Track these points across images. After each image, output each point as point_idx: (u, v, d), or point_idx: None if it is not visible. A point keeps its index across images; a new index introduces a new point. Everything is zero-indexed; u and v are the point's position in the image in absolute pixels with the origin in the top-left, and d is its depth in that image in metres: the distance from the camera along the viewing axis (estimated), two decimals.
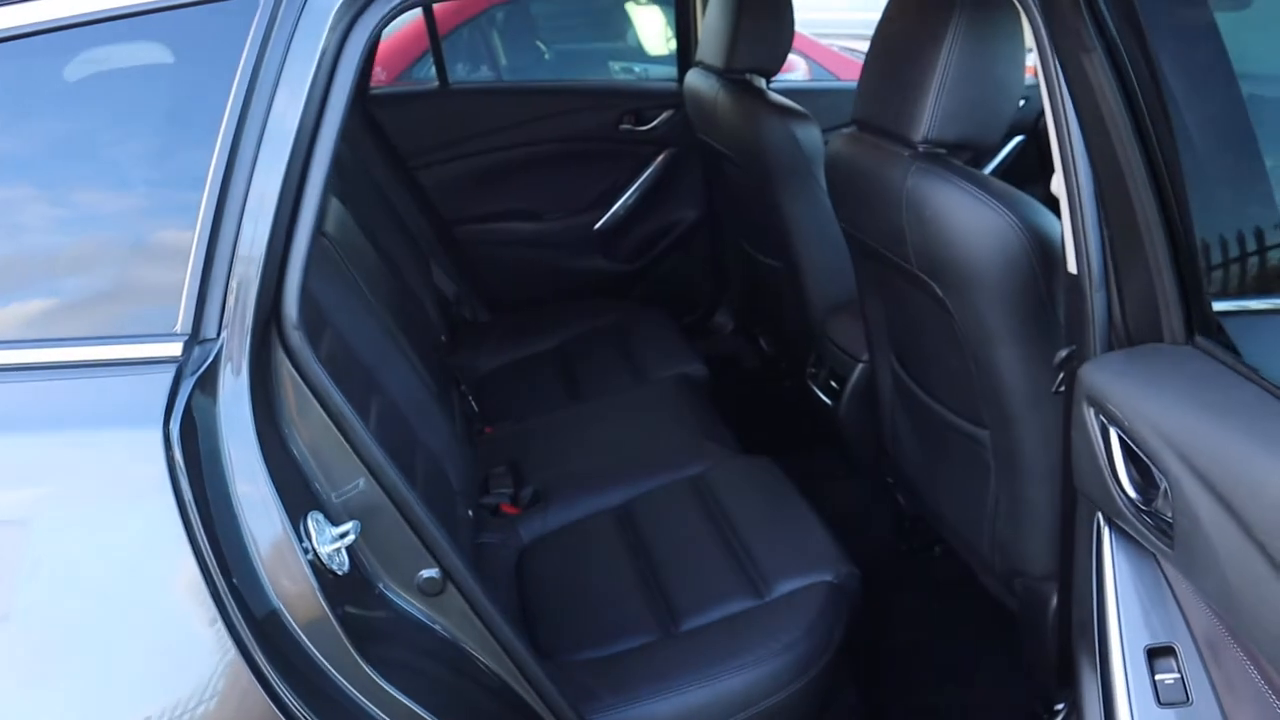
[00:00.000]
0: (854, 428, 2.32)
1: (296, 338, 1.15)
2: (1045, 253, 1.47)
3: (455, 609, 1.28)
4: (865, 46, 1.76)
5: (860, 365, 2.27)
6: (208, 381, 1.07)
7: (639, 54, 4.22)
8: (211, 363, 1.08)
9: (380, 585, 1.24)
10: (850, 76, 3.86)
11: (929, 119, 1.54)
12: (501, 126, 3.03)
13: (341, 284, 1.86)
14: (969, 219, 1.48)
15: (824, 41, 4.39)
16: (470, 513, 1.97)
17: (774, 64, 2.45)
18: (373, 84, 3.01)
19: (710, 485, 2.04)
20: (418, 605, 1.26)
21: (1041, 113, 1.44)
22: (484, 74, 3.92)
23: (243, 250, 1.09)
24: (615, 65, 4.19)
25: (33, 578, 1.02)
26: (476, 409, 2.46)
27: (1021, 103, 3.09)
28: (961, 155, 1.61)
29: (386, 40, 3.82)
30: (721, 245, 3.19)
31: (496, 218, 3.11)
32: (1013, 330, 1.52)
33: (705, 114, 2.66)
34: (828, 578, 1.73)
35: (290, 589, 1.09)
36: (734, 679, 1.57)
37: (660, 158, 3.13)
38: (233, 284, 1.09)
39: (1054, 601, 1.65)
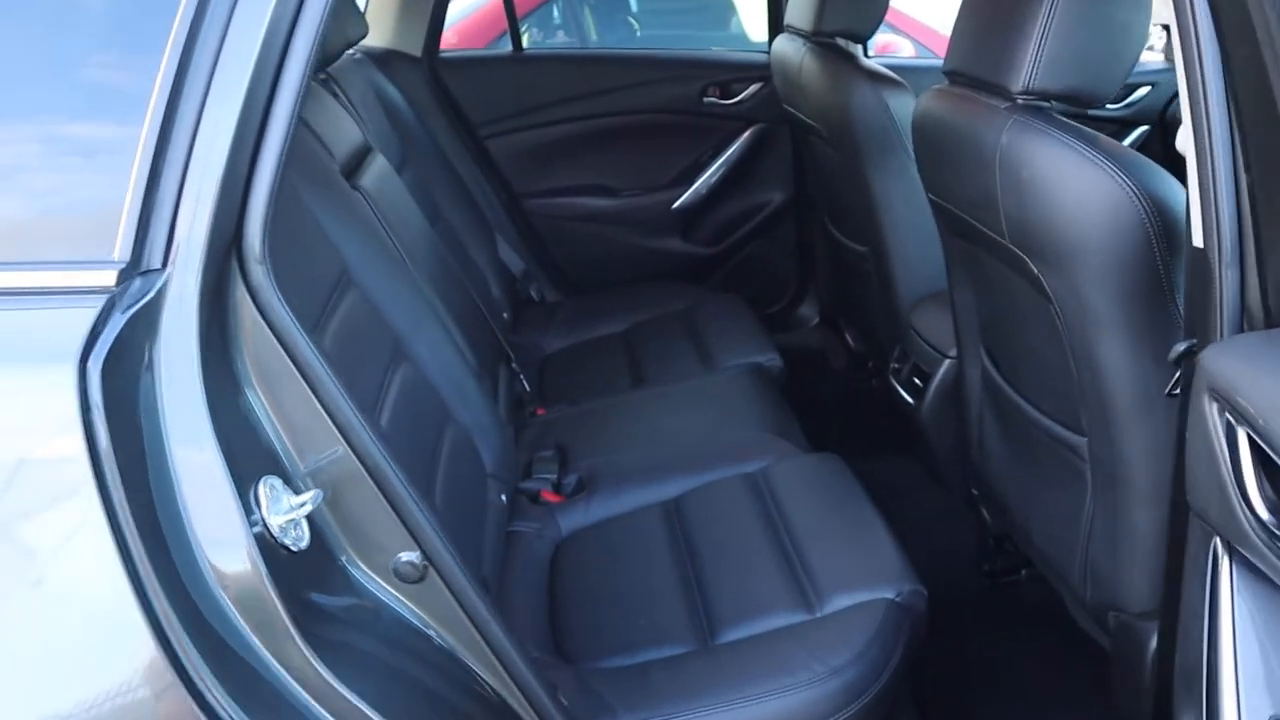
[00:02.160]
0: (937, 430, 2.08)
1: (260, 273, 0.99)
2: (1165, 224, 1.23)
3: (437, 600, 1.11)
4: None
5: (947, 361, 2.03)
6: (146, 318, 0.93)
7: (741, 42, 4.02)
8: (153, 297, 0.93)
9: (348, 566, 1.08)
10: None
11: (1030, 65, 1.32)
12: (577, 96, 2.87)
13: (375, 244, 1.73)
14: (1074, 181, 1.25)
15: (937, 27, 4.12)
16: (504, 497, 1.81)
17: (867, 26, 2.23)
18: (443, 47, 2.88)
19: (770, 483, 1.84)
20: (393, 592, 1.10)
21: (1170, 100, 1.23)
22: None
23: (197, 166, 0.94)
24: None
25: None
26: (528, 388, 2.30)
27: (1146, 89, 2.79)
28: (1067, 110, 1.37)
29: (474, 12, 3.72)
30: (810, 230, 2.97)
31: (569, 192, 2.95)
32: (1122, 317, 1.29)
33: (791, 81, 2.45)
34: (889, 595, 1.51)
35: (229, 565, 0.94)
36: (770, 703, 1.37)
37: (746, 134, 2.92)
38: (184, 207, 0.95)
39: (1153, 644, 1.41)
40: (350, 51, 2.42)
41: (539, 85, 2.90)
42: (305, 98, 1.60)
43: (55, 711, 0.90)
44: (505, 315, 2.63)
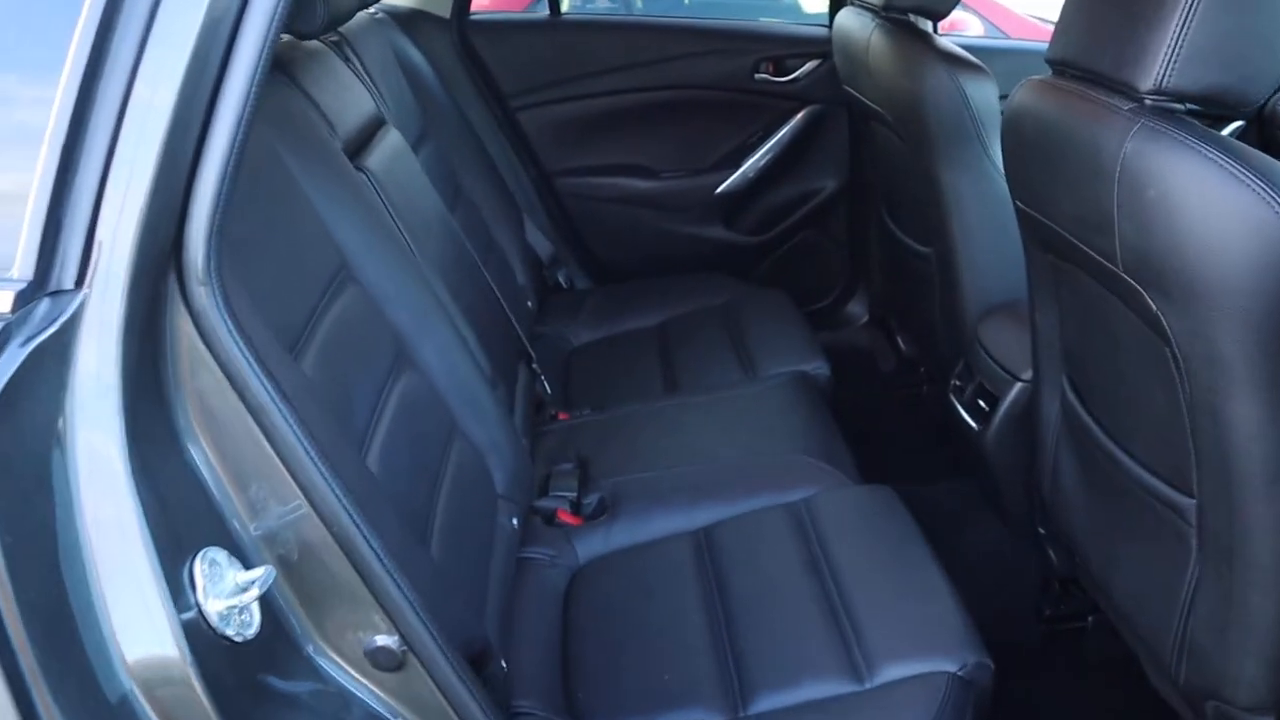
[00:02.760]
0: (1003, 461, 1.86)
1: (203, 296, 0.79)
2: None
3: (419, 691, 0.92)
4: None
5: (1019, 385, 1.81)
6: (54, 351, 0.73)
7: (795, 13, 3.76)
8: (65, 324, 0.74)
9: (313, 655, 0.88)
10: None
11: (1166, 59, 1.08)
12: (618, 67, 2.64)
13: (379, 233, 1.53)
14: (1215, 204, 1.02)
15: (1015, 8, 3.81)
16: (515, 521, 1.62)
17: (944, 4, 1.98)
18: (474, 9, 2.65)
19: (814, 517, 1.63)
20: (366, 683, 0.91)
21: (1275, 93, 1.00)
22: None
23: (123, 159, 0.75)
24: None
25: None
26: (549, 390, 2.10)
27: None
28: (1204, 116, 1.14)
29: None
30: (864, 223, 2.73)
31: (605, 171, 2.72)
32: (1264, 373, 1.07)
33: (854, 60, 2.21)
34: (951, 668, 1.31)
35: (148, 662, 0.75)
36: None
37: (800, 115, 2.67)
38: (105, 211, 0.75)
39: None
40: (370, 10, 2.21)
41: (577, 54, 2.67)
42: (308, 65, 1.37)
43: None
44: (530, 304, 2.43)
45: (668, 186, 2.72)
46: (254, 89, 0.77)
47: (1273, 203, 1.00)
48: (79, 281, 0.75)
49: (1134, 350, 1.27)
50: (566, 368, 2.34)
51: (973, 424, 1.94)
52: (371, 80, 1.92)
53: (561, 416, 2.06)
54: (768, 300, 2.46)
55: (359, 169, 1.60)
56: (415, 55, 2.40)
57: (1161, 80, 1.10)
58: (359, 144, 1.67)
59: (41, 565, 0.71)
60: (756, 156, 2.70)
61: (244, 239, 1.17)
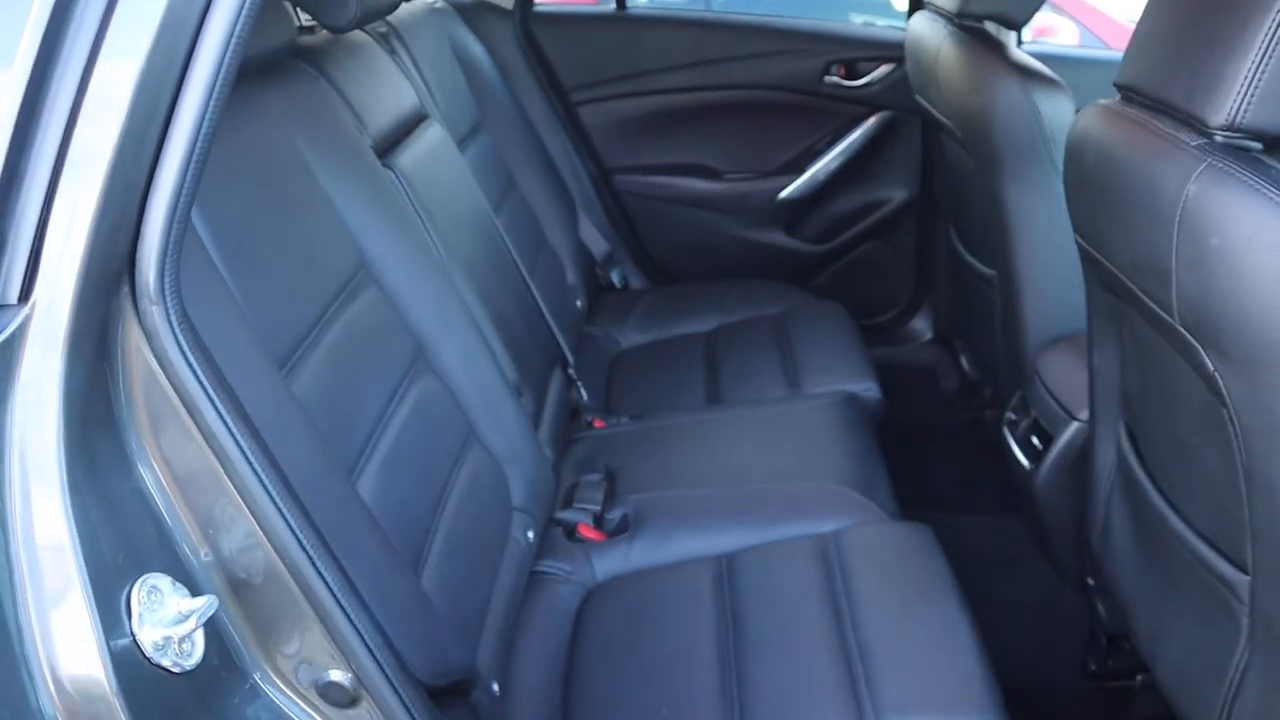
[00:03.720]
0: (1054, 504, 1.75)
1: (156, 315, 0.76)
2: None
3: None
4: None
5: (1075, 424, 1.70)
6: None
7: (886, 10, 3.61)
8: (6, 340, 0.71)
9: (261, 684, 0.84)
10: None
11: (1242, 92, 0.97)
12: (683, 64, 2.56)
13: (404, 233, 1.49)
14: None
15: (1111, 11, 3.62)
16: (531, 534, 1.57)
17: (1024, 10, 1.87)
18: (539, 0, 2.60)
19: (842, 553, 1.55)
20: (317, 718, 0.86)
21: None
22: None
23: (71, 177, 0.71)
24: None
25: None
26: (585, 397, 2.05)
27: None
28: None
29: None
30: (933, 237, 2.62)
31: (665, 171, 2.65)
32: None
33: (924, 69, 2.10)
34: None
35: (74, 688, 0.71)
36: None
37: (871, 121, 2.57)
38: (53, 222, 0.71)
39: None
40: (430, 0, 2.18)
41: (642, 49, 2.60)
42: (342, 57, 1.33)
43: None
44: (580, 303, 2.39)
45: (729, 189, 2.64)
46: (213, 104, 0.73)
47: None
48: (23, 296, 0.72)
49: (1192, 407, 1.17)
50: (610, 371, 2.29)
51: (1025, 461, 1.83)
52: (419, 73, 1.89)
53: (598, 424, 2.01)
54: (824, 313, 2.37)
55: (389, 167, 1.56)
56: (475, 46, 2.36)
57: (1236, 115, 0.99)
58: (392, 140, 1.64)
59: None
60: (823, 162, 2.60)
61: (249, 241, 1.14)
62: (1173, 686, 1.37)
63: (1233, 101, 0.99)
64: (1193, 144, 1.03)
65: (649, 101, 2.60)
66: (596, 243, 2.60)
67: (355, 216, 1.38)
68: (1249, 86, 0.98)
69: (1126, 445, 1.45)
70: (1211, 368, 1.04)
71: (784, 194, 2.62)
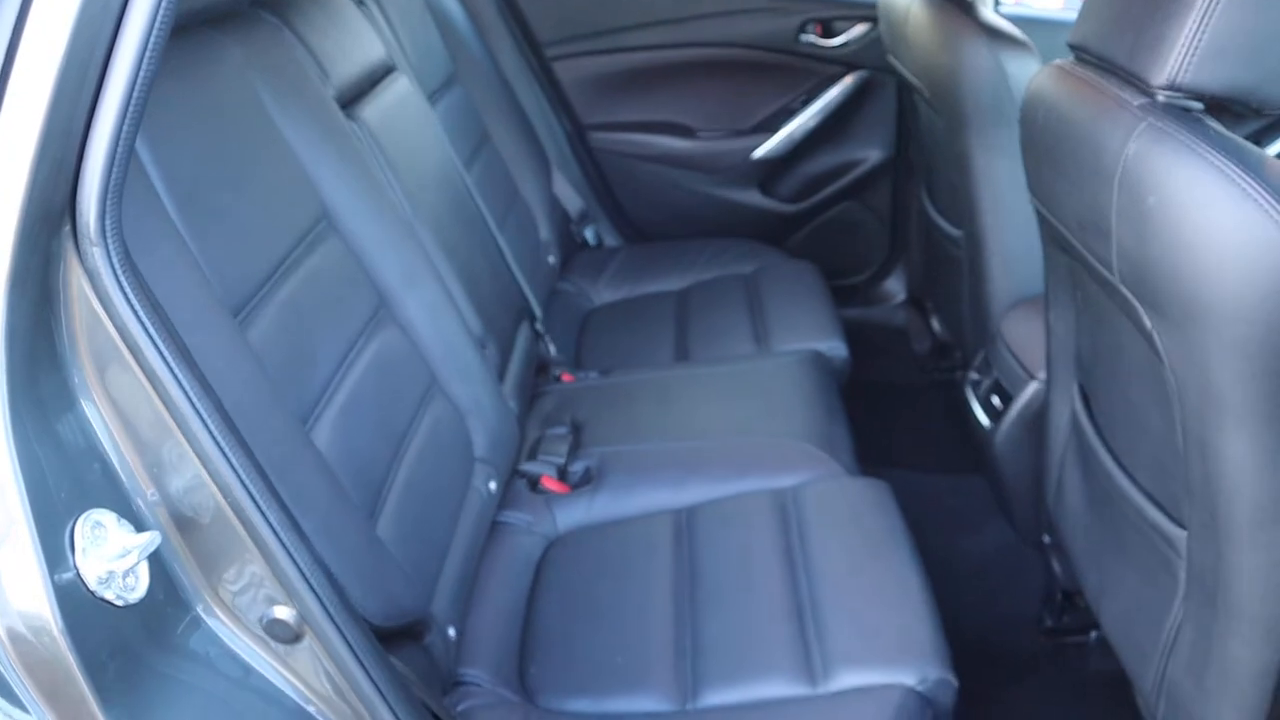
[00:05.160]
0: (1011, 463, 1.78)
1: (97, 256, 0.77)
2: None
3: (314, 668, 0.89)
4: None
5: (1035, 384, 1.72)
6: None
7: None
8: None
9: (204, 617, 0.86)
10: None
11: (1183, 51, 0.99)
12: (659, 20, 2.54)
13: (366, 185, 1.49)
14: (1218, 215, 0.93)
15: None
16: (493, 485, 1.59)
17: None
18: None
19: (800, 506, 1.58)
20: (261, 654, 0.89)
21: None
22: None
23: (7, 116, 0.71)
24: None
25: None
26: (554, 351, 2.06)
27: None
28: (1224, 116, 1.03)
29: None
30: (907, 197, 2.63)
31: (640, 128, 2.64)
32: (1257, 404, 0.98)
33: (896, 29, 2.10)
34: (908, 681, 1.26)
35: (18, 620, 0.73)
36: None
37: (847, 80, 2.56)
38: None
39: None
40: None
41: (618, 5, 2.57)
42: (306, 7, 1.33)
43: None
44: (552, 259, 2.39)
45: (704, 147, 2.64)
46: (150, 48, 0.73)
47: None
48: None
49: (1136, 366, 1.19)
50: (582, 328, 2.30)
51: (985, 420, 1.86)
52: (389, 24, 1.88)
53: (566, 378, 2.03)
54: (795, 272, 2.39)
55: (352, 118, 1.56)
56: (450, 1, 2.34)
57: (1177, 75, 1.00)
58: (357, 92, 1.63)
59: None
60: (798, 121, 2.59)
61: (206, 188, 1.15)
62: (1117, 639, 1.40)
63: (1174, 61, 1.00)
64: (1135, 103, 1.04)
65: (625, 58, 2.59)
66: (571, 200, 2.60)
67: (317, 167, 1.39)
68: (1190, 47, 0.99)
69: (1079, 405, 1.47)
70: (1150, 325, 1.06)
71: (759, 153, 2.62)
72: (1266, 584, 1.03)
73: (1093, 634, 1.82)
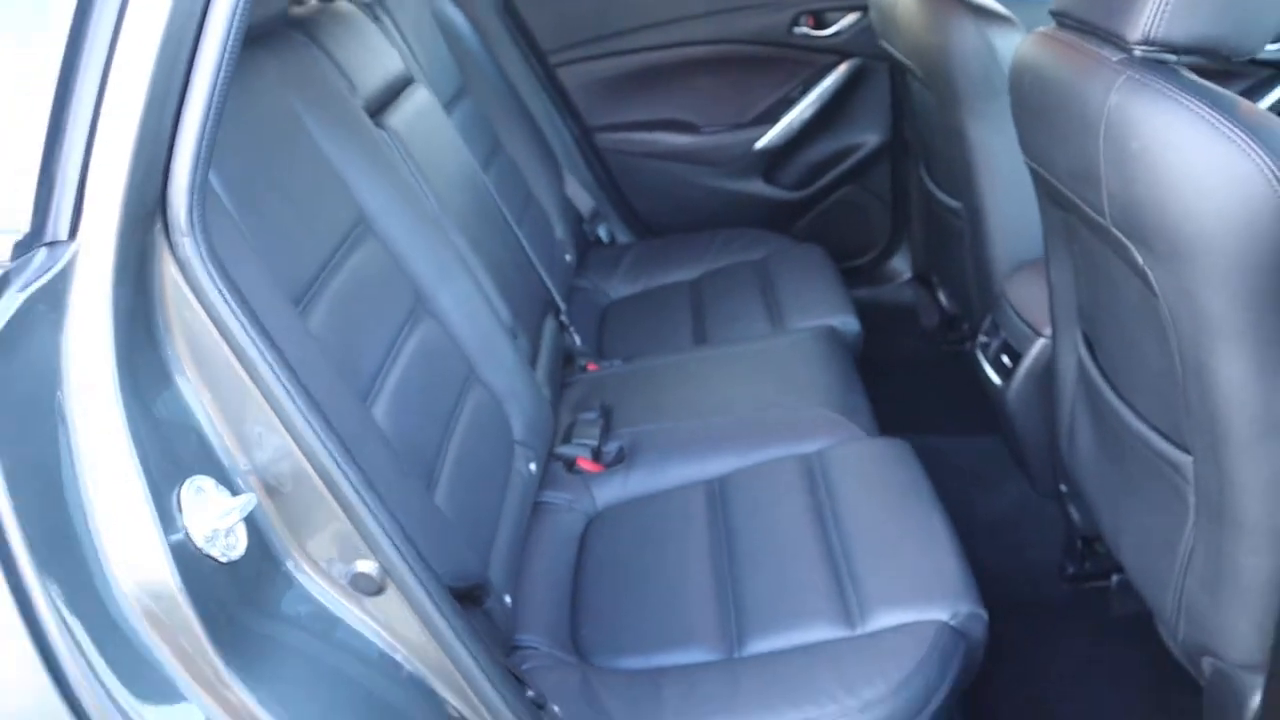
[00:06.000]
0: (1025, 417, 1.86)
1: (188, 247, 0.86)
2: None
3: (398, 615, 0.98)
4: None
5: (1041, 340, 1.80)
6: (50, 296, 0.80)
7: None
8: (59, 273, 0.81)
9: (295, 574, 0.95)
10: None
11: (1155, 9, 1.07)
12: (657, 22, 2.64)
13: (399, 189, 1.58)
14: (1195, 156, 1.02)
15: None
16: (533, 466, 1.68)
17: None
18: None
19: (826, 469, 1.66)
20: (348, 606, 0.97)
21: None
22: None
23: (108, 119, 0.81)
24: None
25: None
26: (579, 342, 2.15)
27: None
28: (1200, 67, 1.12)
29: None
30: (906, 178, 2.71)
31: (645, 127, 2.74)
32: (1246, 327, 1.06)
33: (886, 14, 2.19)
34: (941, 617, 1.34)
35: (141, 582, 0.82)
36: None
37: (841, 69, 2.65)
38: (94, 168, 0.81)
39: (1255, 700, 1.20)
40: None
41: (617, 10, 2.67)
42: (331, 25, 1.43)
43: None
44: (569, 258, 2.48)
45: (707, 141, 2.73)
46: (226, 60, 0.83)
47: (1254, 156, 0.99)
48: (72, 233, 0.81)
49: (1132, 304, 1.27)
50: (601, 321, 2.39)
51: (997, 379, 1.94)
52: (404, 39, 1.97)
53: (591, 368, 2.11)
54: (803, 255, 2.47)
55: (381, 126, 1.65)
56: (455, 14, 2.44)
57: (1150, 30, 1.09)
58: (382, 102, 1.73)
59: (41, 490, 0.78)
60: (797, 111, 2.69)
61: (256, 194, 1.24)
62: (1136, 571, 1.48)
63: (1147, 18, 1.08)
64: (1114, 59, 1.13)
65: (625, 61, 2.69)
66: (582, 200, 2.70)
67: (352, 173, 1.48)
68: (1162, 4, 1.07)
69: (1084, 352, 1.55)
70: (1142, 262, 1.14)
71: (761, 143, 2.71)
72: (1267, 494, 1.11)
73: (1113, 578, 1.89)
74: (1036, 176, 1.45)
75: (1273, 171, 0.99)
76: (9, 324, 0.77)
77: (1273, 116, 1.04)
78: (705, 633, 1.40)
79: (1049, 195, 1.45)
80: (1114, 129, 1.10)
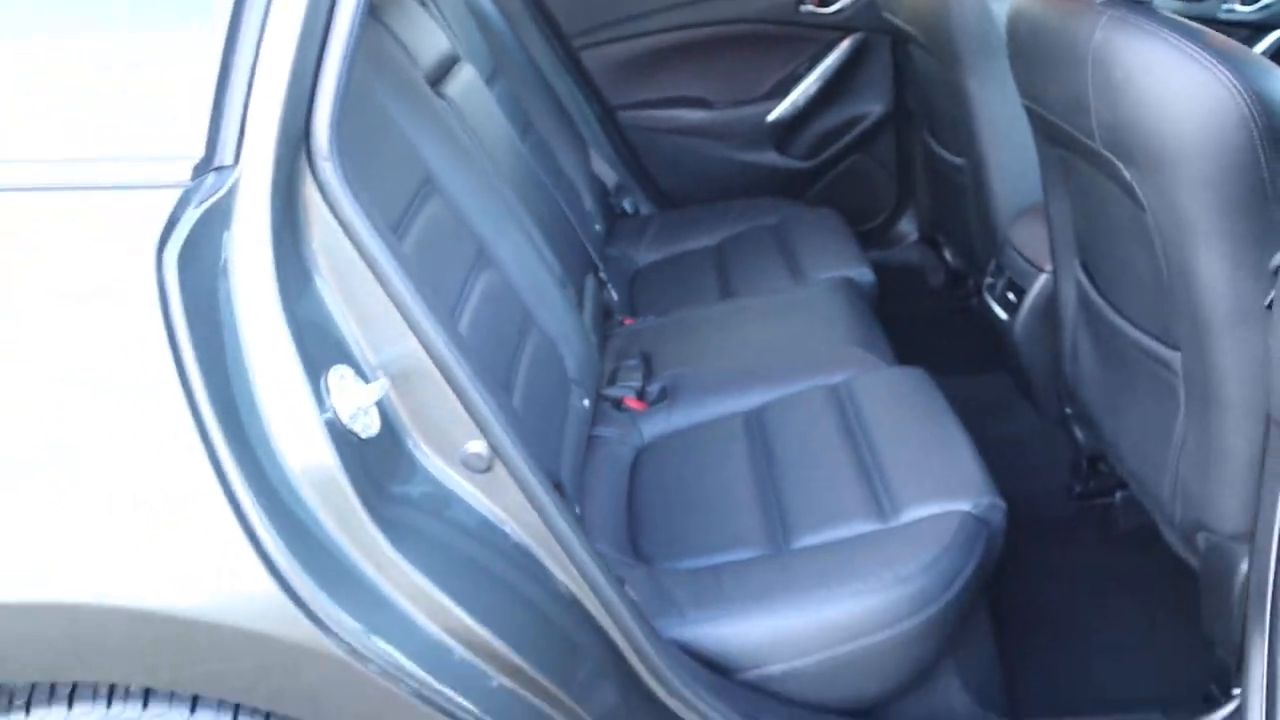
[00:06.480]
0: (1030, 347, 2.02)
1: (327, 170, 1.02)
2: (1273, 125, 1.15)
3: (504, 491, 1.15)
4: None
5: (1043, 276, 1.97)
6: (220, 211, 0.97)
7: None
8: (227, 191, 0.97)
9: (416, 454, 1.11)
10: None
11: None
12: (673, 5, 2.81)
13: (459, 152, 1.75)
14: (1171, 79, 1.18)
15: None
16: (586, 402, 1.85)
17: None
18: None
19: (852, 395, 1.82)
20: (461, 482, 1.14)
21: None
22: None
23: (264, 66, 0.97)
24: None
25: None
26: (616, 298, 2.32)
27: None
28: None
29: None
30: (909, 144, 2.88)
31: (663, 104, 2.91)
32: (1220, 225, 1.22)
33: None
34: (964, 507, 1.50)
35: (301, 451, 0.98)
36: (837, 607, 1.38)
37: (845, 44, 2.83)
38: (253, 105, 0.98)
39: (1244, 567, 1.36)
40: None
41: None
42: (389, 6, 1.62)
43: (141, 586, 0.96)
44: (597, 228, 2.65)
45: (722, 116, 2.90)
46: (360, 5, 0.99)
47: (1219, 74, 1.15)
48: (236, 159, 0.98)
49: (1123, 224, 1.43)
50: (632, 284, 2.55)
51: (1003, 315, 2.10)
52: (446, 22, 2.14)
53: (628, 322, 2.28)
54: (818, 218, 2.64)
55: (440, 96, 1.82)
56: (484, 2, 2.61)
57: None
58: (438, 75, 1.90)
59: (219, 372, 0.95)
60: (805, 85, 2.86)
61: (346, 147, 1.41)
62: (1135, 466, 1.64)
63: None
64: (1098, 1, 1.30)
65: (643, 42, 2.86)
66: (607, 175, 2.87)
67: (418, 137, 1.64)
68: None
69: (1082, 277, 1.72)
70: (1129, 177, 1.31)
71: (772, 116, 2.88)
72: (1244, 375, 1.27)
73: (1117, 495, 2.06)
74: (1033, 116, 1.62)
75: (1239, 88, 1.15)
76: (191, 232, 0.94)
77: (1235, 43, 1.21)
78: (754, 535, 1.56)
79: (1045, 134, 1.62)
80: (1100, 61, 1.27)
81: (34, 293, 0.96)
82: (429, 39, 1.94)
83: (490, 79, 2.36)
